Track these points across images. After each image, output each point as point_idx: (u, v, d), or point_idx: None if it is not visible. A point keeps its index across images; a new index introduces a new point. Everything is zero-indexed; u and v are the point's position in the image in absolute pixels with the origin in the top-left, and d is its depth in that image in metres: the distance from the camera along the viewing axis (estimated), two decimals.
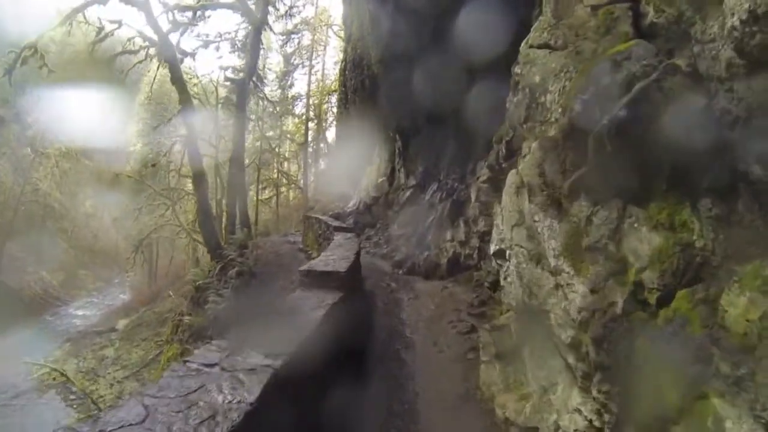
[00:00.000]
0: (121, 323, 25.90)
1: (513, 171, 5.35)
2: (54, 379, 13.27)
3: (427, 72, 10.38)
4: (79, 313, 31.14)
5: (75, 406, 14.45)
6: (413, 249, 11.24)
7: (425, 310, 8.37)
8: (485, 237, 8.82)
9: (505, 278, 5.58)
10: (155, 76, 21.82)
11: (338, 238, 9.66)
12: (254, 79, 22.11)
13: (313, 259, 11.69)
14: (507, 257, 5.35)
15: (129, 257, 20.14)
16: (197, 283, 16.57)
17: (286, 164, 36.78)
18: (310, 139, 33.53)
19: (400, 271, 10.91)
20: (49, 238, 35.86)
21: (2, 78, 17.50)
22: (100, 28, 18.26)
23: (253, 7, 21.19)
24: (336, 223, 13.17)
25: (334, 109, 30.78)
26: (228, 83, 23.85)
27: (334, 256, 6.74)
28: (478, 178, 9.67)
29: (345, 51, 21.33)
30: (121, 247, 27.69)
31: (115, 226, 34.24)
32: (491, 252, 6.19)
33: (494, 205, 7.59)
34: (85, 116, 28.95)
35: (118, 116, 35.12)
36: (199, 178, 18.50)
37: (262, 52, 25.12)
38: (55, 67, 19.69)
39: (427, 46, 10.67)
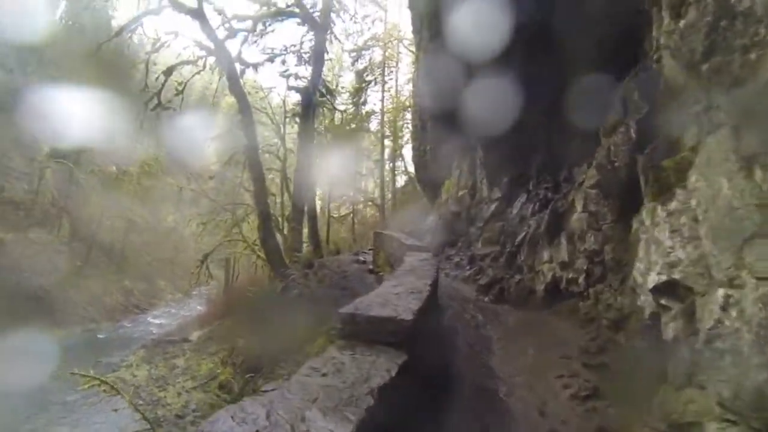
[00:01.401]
0: (195, 334, 25.57)
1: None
2: (104, 391, 12.47)
3: (516, 75, 8.42)
4: (156, 321, 31.72)
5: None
6: (501, 271, 9.13)
7: (522, 356, 6.16)
8: (595, 258, 6.66)
9: (711, 341, 3.33)
10: (216, 87, 21.08)
11: (410, 260, 7.68)
12: (321, 88, 20.83)
13: (384, 280, 9.95)
14: (701, 294, 3.22)
15: (194, 272, 19.89)
16: (257, 305, 15.87)
17: (363, 182, 35.77)
18: (386, 156, 32.24)
19: (486, 298, 8.74)
20: (132, 250, 37.30)
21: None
22: (156, 39, 17.64)
23: (316, 16, 20.02)
24: (410, 241, 11.36)
25: (410, 126, 29.39)
26: (293, 91, 22.64)
27: (400, 288, 4.73)
28: (581, 184, 7.51)
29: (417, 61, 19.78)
30: (198, 260, 27.55)
31: (193, 240, 34.00)
32: (650, 285, 4.09)
33: (621, 214, 5.55)
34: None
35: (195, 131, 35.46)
36: (259, 191, 17.58)
37: (335, 69, 24.16)
38: None
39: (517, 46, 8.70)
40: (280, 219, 22.42)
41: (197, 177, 37.13)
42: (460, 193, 13.90)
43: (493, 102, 9.70)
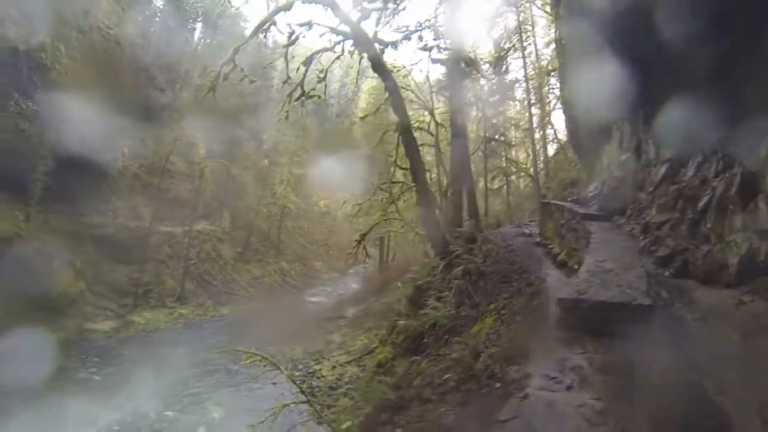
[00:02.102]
0: (350, 311, 26.69)
1: None
2: (264, 366, 13.04)
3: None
4: (313, 300, 33.60)
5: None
6: (683, 242, 7.84)
7: (732, 347, 4.93)
8: None
9: None
10: (357, 70, 21.09)
11: (595, 229, 6.80)
12: (464, 59, 20.01)
13: (556, 255, 9.14)
14: None
15: (350, 252, 19.70)
16: (417, 283, 15.29)
17: (513, 152, 34.49)
18: (534, 124, 30.69)
19: (666, 272, 7.49)
20: (287, 235, 39.74)
21: (208, 94, 18.02)
22: (291, 33, 17.83)
23: None
24: (583, 210, 10.68)
25: (556, 91, 28.14)
26: (436, 65, 22.13)
27: (609, 264, 3.98)
28: None
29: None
30: (353, 241, 28.47)
31: (347, 222, 35.31)
32: None
33: None
34: None
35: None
36: (415, 168, 17.18)
37: (470, 42, 23.22)
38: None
39: None
40: (437, 194, 22.22)
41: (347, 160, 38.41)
42: (623, 157, 12.44)
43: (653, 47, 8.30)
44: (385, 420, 6.40)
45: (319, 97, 20.03)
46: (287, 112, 19.07)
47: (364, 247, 19.60)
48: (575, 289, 3.31)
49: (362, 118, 25.53)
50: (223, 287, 31.54)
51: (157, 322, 25.37)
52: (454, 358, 7.22)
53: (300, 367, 18.54)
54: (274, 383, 15.31)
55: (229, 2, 22.49)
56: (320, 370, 18.20)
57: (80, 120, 22.80)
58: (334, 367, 18.28)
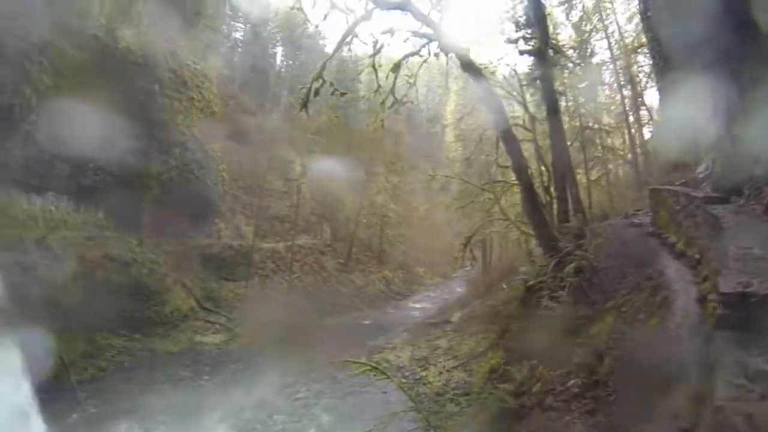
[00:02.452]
0: (455, 316, 26.24)
1: None
2: (374, 375, 12.62)
3: None
4: (417, 306, 33.49)
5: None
6: None
7: None
8: None
9: None
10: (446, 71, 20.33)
11: (722, 214, 6.22)
12: (552, 46, 18.77)
13: (673, 245, 8.44)
14: None
15: (458, 256, 19.80)
16: (528, 283, 14.61)
17: (609, 139, 32.25)
18: (627, 107, 28.28)
19: None
20: (389, 243, 40.00)
21: (300, 112, 18.05)
22: (374, 42, 17.49)
23: None
24: (701, 193, 9.55)
25: (646, 69, 26.36)
26: (524, 56, 20.89)
27: (759, 251, 3.00)
28: None
29: None
30: (455, 245, 27.96)
31: (448, 226, 34.65)
32: None
33: None
34: None
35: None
36: (518, 165, 16.57)
37: (550, 28, 21.72)
38: None
39: None
40: (540, 191, 21.18)
41: (441, 164, 37.61)
42: (735, 133, 10.66)
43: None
44: (504, 429, 6.53)
45: (412, 102, 19.53)
46: (382, 120, 18.85)
47: (471, 250, 18.97)
48: (736, 281, 2.41)
49: (458, 120, 24.84)
50: (328, 298, 31.70)
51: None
52: (576, 362, 6.85)
53: (406, 373, 18.30)
54: (384, 392, 15.31)
55: (308, 21, 22.51)
56: (426, 376, 17.82)
57: (177, 150, 25.40)
58: (440, 372, 17.81)
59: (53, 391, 13.03)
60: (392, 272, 38.77)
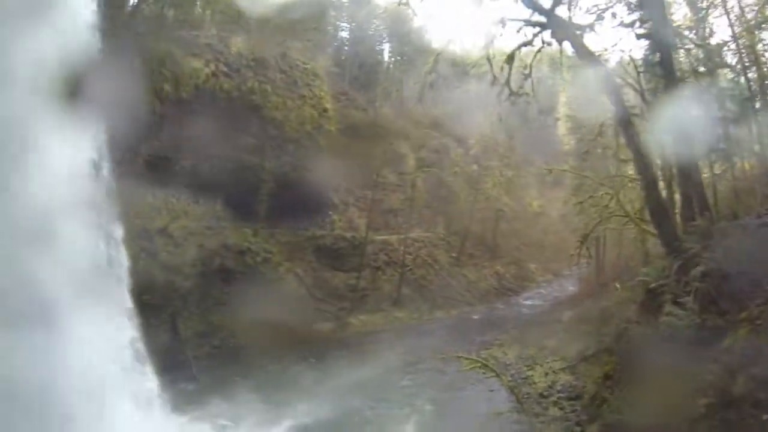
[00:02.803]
0: (566, 315, 25.17)
1: None
2: (483, 373, 12.44)
3: None
4: (528, 303, 33.06)
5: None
6: None
7: None
8: None
9: None
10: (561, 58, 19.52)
11: None
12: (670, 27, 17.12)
13: None
14: None
15: (574, 254, 18.46)
16: (649, 285, 13.46)
17: (732, 128, 28.77)
18: (752, 91, 24.93)
19: None
20: (502, 238, 39.14)
21: (416, 105, 17.97)
22: (486, 34, 17.01)
23: None
24: None
25: None
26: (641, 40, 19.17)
27: None
28: None
29: None
30: (569, 241, 26.71)
31: (562, 221, 34.26)
32: None
33: None
34: None
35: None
36: (639, 158, 15.52)
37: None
38: None
39: None
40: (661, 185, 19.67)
41: (554, 157, 37.28)
42: None
43: None
44: None
45: (527, 94, 18.81)
46: (499, 114, 18.40)
47: (587, 248, 18.37)
48: None
49: (572, 111, 23.60)
50: (439, 292, 31.80)
51: (373, 324, 26.55)
52: (704, 378, 6.48)
53: (512, 372, 18.13)
54: (491, 390, 15.41)
55: (416, 15, 22.34)
56: (532, 376, 17.67)
57: (291, 146, 26.89)
58: (546, 373, 17.58)
59: (170, 364, 14.18)
60: (504, 267, 37.92)
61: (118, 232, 13.11)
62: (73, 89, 11.18)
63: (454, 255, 35.60)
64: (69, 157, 11.28)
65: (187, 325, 20.08)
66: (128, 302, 13.16)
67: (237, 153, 24.86)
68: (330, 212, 30.31)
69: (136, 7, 24.50)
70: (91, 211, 11.92)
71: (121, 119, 14.33)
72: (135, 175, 19.54)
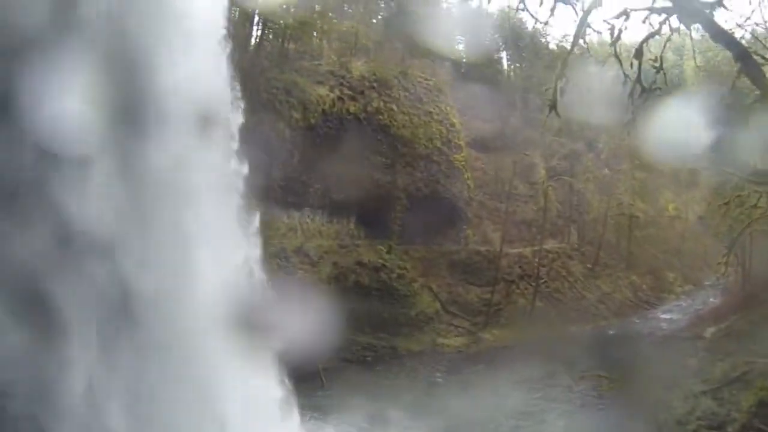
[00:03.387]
0: (709, 331, 23.84)
1: None
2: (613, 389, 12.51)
3: None
4: (665, 316, 31.56)
5: None
6: None
7: None
8: None
9: None
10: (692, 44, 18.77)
11: None
12: None
13: None
14: None
15: (721, 262, 17.66)
16: None
17: None
18: None
19: None
20: (637, 246, 37.29)
21: (550, 114, 18.42)
22: (611, 29, 16.71)
23: None
24: None
25: None
26: None
27: None
28: None
29: None
30: (709, 247, 25.26)
31: (701, 225, 33.45)
32: None
33: None
34: None
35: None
36: None
37: None
38: None
39: None
40: None
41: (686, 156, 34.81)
42: None
43: None
44: None
45: (659, 89, 18.48)
46: (633, 113, 18.28)
47: (736, 255, 17.38)
48: None
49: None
50: (572, 305, 31.39)
51: (506, 339, 26.48)
52: None
53: (647, 393, 17.15)
54: (630, 411, 15.31)
55: (536, 19, 22.58)
56: (670, 400, 16.32)
57: (422, 162, 28.32)
58: (686, 397, 16.10)
59: (301, 375, 15.67)
60: (640, 278, 36.25)
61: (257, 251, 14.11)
62: (210, 124, 12.90)
63: (588, 266, 34.83)
64: (215, 187, 12.32)
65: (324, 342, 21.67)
66: None
67: (368, 172, 26.56)
68: (464, 226, 31.07)
69: (259, 44, 27.62)
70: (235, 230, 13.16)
71: (256, 147, 16.13)
72: (271, 199, 21.59)
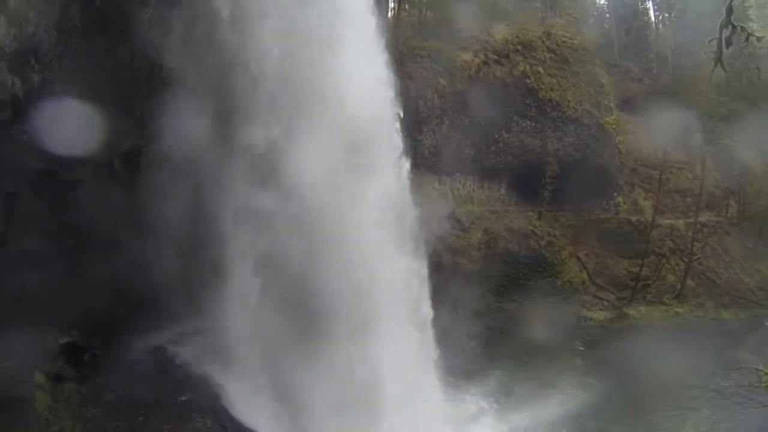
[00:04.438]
0: None
1: None
2: None
3: None
4: None
5: None
6: None
7: None
8: None
9: None
10: None
11: None
12: None
13: None
14: None
15: None
16: None
17: None
18: None
19: None
20: None
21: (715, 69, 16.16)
22: None
23: None
24: None
25: None
26: None
27: None
28: None
29: None
30: None
31: None
32: None
33: None
34: None
35: None
36: None
37: None
38: None
39: None
40: None
41: None
42: None
43: None
44: None
45: None
46: None
47: None
48: None
49: None
50: (727, 287, 28.55)
51: (650, 317, 25.39)
52: None
53: None
54: None
55: None
56: None
57: (572, 126, 27.54)
58: None
59: (446, 340, 15.36)
60: None
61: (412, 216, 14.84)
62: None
63: (748, 245, 31.20)
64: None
65: (466, 304, 21.07)
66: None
67: (518, 137, 26.52)
68: (615, 194, 29.85)
69: (397, 14, 28.04)
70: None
71: (406, 114, 15.86)
72: (421, 165, 22.06)
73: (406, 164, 14.74)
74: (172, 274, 11.97)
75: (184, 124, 12.00)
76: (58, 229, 11.54)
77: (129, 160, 13.09)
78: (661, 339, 22.21)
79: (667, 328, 24.23)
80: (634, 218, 29.32)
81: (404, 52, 24.33)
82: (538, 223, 26.01)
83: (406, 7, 29.62)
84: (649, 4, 41.66)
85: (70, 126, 10.63)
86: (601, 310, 25.39)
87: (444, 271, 20.49)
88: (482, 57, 26.72)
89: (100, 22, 11.84)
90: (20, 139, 10.58)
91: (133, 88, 12.67)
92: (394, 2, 28.13)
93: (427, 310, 14.51)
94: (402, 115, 14.72)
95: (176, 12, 12.10)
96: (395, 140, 14.33)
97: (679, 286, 27.52)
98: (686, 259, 28.12)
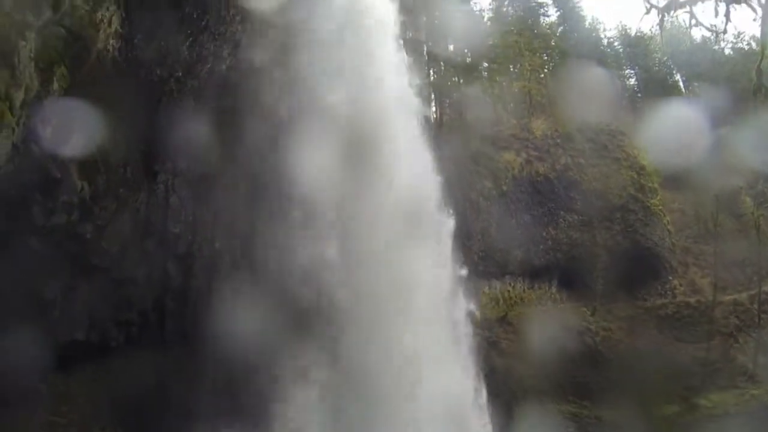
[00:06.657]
0: None
1: None
2: None
3: None
4: None
5: None
6: None
7: None
8: None
9: None
10: None
11: None
12: None
13: None
14: None
15: None
16: None
17: None
18: None
19: None
20: None
21: None
22: None
23: None
24: None
25: None
26: None
27: None
28: None
29: None
30: None
31: None
32: None
33: None
34: None
35: None
36: None
37: None
38: None
39: None
40: None
41: None
42: None
43: None
44: None
45: None
46: None
47: None
48: None
49: None
50: None
51: (725, 405, 23.67)
52: None
53: None
54: None
55: (713, 32, 20.95)
56: None
57: (618, 214, 27.75)
58: None
59: None
60: None
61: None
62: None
63: None
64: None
65: (521, 410, 20.72)
66: None
67: (565, 233, 27.08)
68: (669, 276, 29.39)
69: (439, 118, 29.14)
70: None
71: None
72: (471, 270, 21.73)
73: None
74: None
75: None
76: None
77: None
78: (737, 427, 21.13)
79: (745, 415, 22.48)
80: (692, 299, 28.41)
81: (448, 157, 24.24)
82: (591, 318, 25.69)
83: (447, 110, 30.79)
84: (677, 77, 42.81)
85: None
86: (667, 403, 23.74)
87: (498, 376, 20.54)
88: (524, 156, 27.57)
89: None
90: (84, 238, 12.25)
91: None
92: (435, 105, 29.48)
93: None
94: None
95: None
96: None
97: (751, 366, 25.81)
98: (755, 335, 26.86)
